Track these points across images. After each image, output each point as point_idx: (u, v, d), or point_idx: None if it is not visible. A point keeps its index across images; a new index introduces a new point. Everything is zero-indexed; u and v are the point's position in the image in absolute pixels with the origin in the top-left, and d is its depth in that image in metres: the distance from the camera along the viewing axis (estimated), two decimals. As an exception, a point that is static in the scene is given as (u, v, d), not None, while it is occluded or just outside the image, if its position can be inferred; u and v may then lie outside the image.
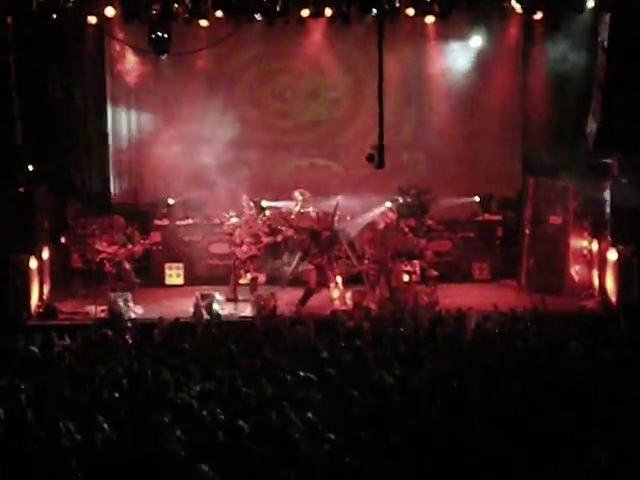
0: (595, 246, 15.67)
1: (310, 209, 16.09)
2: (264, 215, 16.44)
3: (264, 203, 16.90)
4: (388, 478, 6.62)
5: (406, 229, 15.61)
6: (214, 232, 17.03)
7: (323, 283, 15.07)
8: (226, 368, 9.52)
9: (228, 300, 15.31)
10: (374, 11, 15.11)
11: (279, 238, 16.13)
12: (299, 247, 15.61)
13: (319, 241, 15.15)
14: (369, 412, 7.81)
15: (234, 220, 15.94)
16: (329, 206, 15.60)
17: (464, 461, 6.74)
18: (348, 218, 16.17)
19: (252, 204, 16.22)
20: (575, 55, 16.14)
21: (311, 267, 15.20)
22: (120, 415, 8.01)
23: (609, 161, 15.25)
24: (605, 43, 15.64)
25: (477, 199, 17.88)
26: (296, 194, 16.42)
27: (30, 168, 15.63)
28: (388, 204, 16.32)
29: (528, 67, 17.71)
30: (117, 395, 8.62)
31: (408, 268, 15.96)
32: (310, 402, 8.07)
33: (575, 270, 16.14)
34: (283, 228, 16.04)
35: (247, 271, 16.04)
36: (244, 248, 15.78)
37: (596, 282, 15.53)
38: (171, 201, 17.47)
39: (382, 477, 6.60)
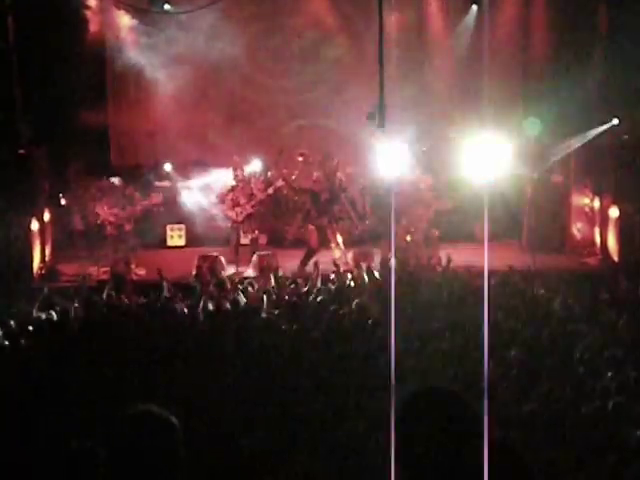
0: (597, 203, 15.64)
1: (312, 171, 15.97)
2: (260, 174, 16.22)
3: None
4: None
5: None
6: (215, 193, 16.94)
7: (324, 244, 15.08)
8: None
9: (229, 261, 15.29)
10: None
11: (270, 191, 15.87)
12: (300, 208, 15.57)
13: (319, 202, 15.13)
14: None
15: (226, 185, 15.73)
16: (329, 167, 15.52)
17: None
18: None
19: (246, 164, 15.97)
20: (577, 7, 15.99)
21: (312, 228, 15.20)
22: (127, 374, 8.08)
23: (611, 117, 15.18)
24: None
25: None
26: (297, 156, 16.31)
27: (30, 130, 15.55)
28: None
29: (529, 24, 17.56)
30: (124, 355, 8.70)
31: (410, 228, 15.92)
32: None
33: (577, 228, 16.14)
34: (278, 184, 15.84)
35: (246, 232, 15.95)
36: (237, 209, 15.61)
37: (598, 239, 15.53)
38: (168, 167, 17.34)
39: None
